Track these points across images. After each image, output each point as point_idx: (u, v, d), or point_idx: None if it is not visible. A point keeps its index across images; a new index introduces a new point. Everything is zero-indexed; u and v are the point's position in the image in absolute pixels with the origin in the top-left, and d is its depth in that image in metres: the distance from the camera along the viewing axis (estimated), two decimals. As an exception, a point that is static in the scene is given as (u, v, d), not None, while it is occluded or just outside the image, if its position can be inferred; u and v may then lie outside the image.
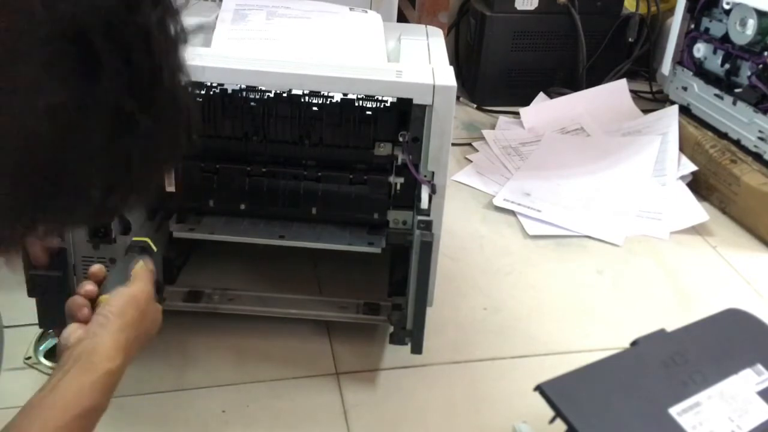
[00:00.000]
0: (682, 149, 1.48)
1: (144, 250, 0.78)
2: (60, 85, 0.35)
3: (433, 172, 0.81)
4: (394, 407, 0.86)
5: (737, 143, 1.39)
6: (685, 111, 1.55)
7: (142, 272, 0.68)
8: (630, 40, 1.85)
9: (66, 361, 0.61)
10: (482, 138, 1.61)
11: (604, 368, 0.73)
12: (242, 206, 0.92)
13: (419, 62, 0.89)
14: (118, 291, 0.66)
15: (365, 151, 0.88)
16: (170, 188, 0.90)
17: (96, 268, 0.70)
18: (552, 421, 0.68)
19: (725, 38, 1.43)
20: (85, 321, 0.64)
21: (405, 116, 0.83)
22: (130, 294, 0.66)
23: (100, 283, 0.68)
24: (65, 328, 0.64)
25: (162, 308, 0.71)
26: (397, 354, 0.92)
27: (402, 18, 1.65)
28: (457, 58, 1.96)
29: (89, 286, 0.67)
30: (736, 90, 1.40)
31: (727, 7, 1.42)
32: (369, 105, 0.87)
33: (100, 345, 0.62)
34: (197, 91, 0.86)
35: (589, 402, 0.69)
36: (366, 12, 1.05)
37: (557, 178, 1.43)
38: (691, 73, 1.54)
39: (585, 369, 0.72)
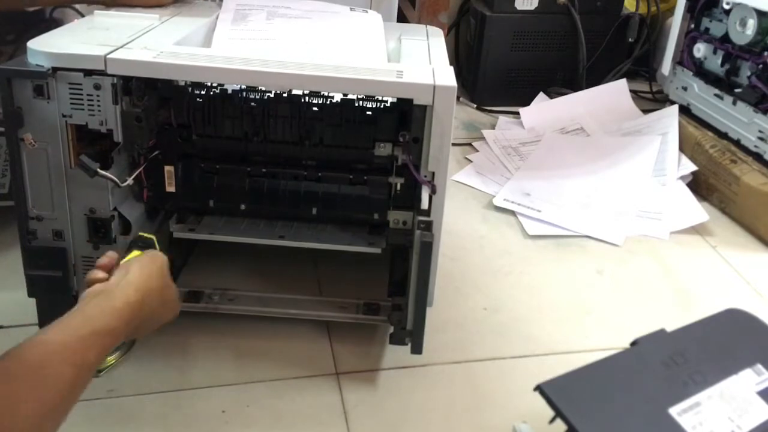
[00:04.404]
0: (682, 149, 1.48)
1: (147, 246, 0.79)
2: None
3: (433, 173, 0.81)
4: (394, 407, 0.86)
5: (737, 143, 1.40)
6: (685, 111, 1.55)
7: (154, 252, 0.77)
8: (630, 40, 1.85)
9: (85, 297, 0.66)
10: (482, 138, 1.61)
11: (604, 368, 0.73)
12: (242, 206, 0.92)
13: (419, 62, 0.89)
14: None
15: (365, 151, 0.88)
16: (170, 188, 0.90)
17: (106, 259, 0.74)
18: (552, 421, 0.68)
19: (725, 38, 1.43)
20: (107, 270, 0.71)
21: (405, 116, 0.83)
22: (149, 254, 0.75)
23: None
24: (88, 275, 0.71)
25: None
26: (397, 354, 0.92)
27: (402, 18, 1.65)
28: (457, 58, 1.96)
29: (105, 260, 0.73)
30: (736, 90, 1.40)
31: (727, 7, 1.42)
32: (369, 105, 0.87)
33: (121, 282, 0.68)
34: (197, 91, 0.86)
35: (589, 402, 0.69)
36: (366, 12, 1.05)
37: (557, 178, 1.43)
38: (691, 73, 1.54)
39: (585, 369, 0.72)
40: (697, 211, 1.34)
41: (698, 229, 1.31)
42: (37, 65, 0.77)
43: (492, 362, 0.95)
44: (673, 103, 1.59)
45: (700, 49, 1.51)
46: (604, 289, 1.13)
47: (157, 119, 0.86)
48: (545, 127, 1.63)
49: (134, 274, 0.69)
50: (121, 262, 0.73)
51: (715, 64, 1.47)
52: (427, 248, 0.79)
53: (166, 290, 0.74)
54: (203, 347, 0.93)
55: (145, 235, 0.81)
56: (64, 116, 0.78)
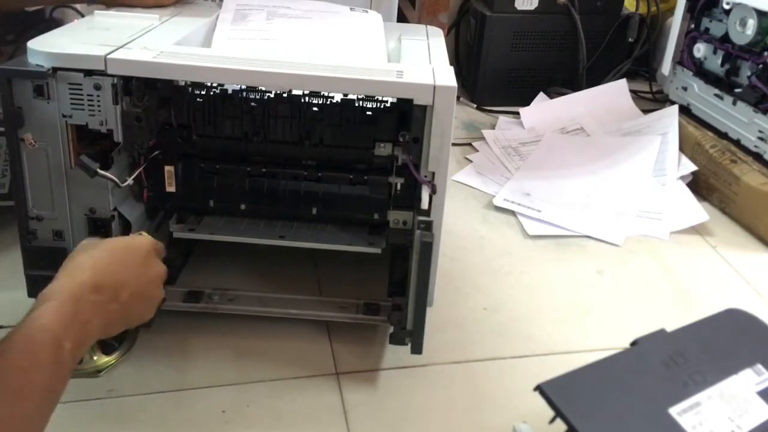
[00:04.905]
0: (682, 149, 1.48)
1: None
2: None
3: (433, 173, 0.81)
4: (394, 407, 0.86)
5: (737, 143, 1.40)
6: (685, 111, 1.55)
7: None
8: (630, 40, 1.85)
9: None
10: (482, 138, 1.61)
11: (604, 368, 0.73)
12: (242, 206, 0.92)
13: (419, 62, 0.89)
14: None
15: (365, 151, 0.88)
16: (170, 188, 0.90)
17: None
18: (552, 421, 0.68)
19: (725, 38, 1.43)
20: None
21: (405, 116, 0.83)
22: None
23: None
24: None
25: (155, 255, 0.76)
26: (397, 354, 0.92)
27: (402, 18, 1.65)
28: (457, 58, 1.96)
29: None
30: (736, 90, 1.40)
31: (727, 7, 1.42)
32: (369, 105, 0.87)
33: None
34: (197, 91, 0.86)
35: (589, 402, 0.69)
36: (366, 12, 1.05)
37: (557, 178, 1.43)
38: (691, 73, 1.54)
39: (585, 369, 0.72)
40: (697, 211, 1.34)
41: (698, 229, 1.31)
42: (37, 65, 0.77)
43: (492, 362, 0.95)
44: (673, 103, 1.59)
45: (700, 49, 1.51)
46: (604, 289, 1.13)
47: (157, 119, 0.86)
48: (545, 127, 1.63)
49: (70, 256, 0.69)
50: None
51: (715, 64, 1.47)
52: (427, 248, 0.79)
53: (120, 249, 0.71)
54: (203, 347, 0.93)
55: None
56: (64, 116, 0.79)
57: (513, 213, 1.32)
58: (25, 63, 0.78)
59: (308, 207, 0.92)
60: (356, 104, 0.87)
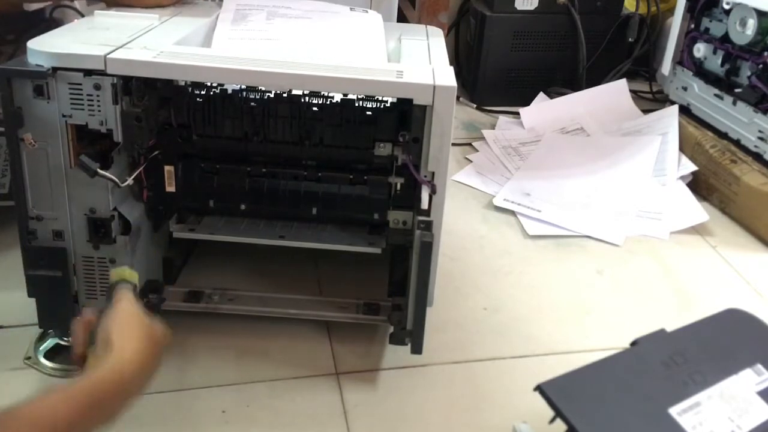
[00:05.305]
0: (682, 149, 1.48)
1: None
2: None
3: (433, 173, 0.81)
4: (394, 407, 0.86)
5: (737, 143, 1.40)
6: (685, 111, 1.55)
7: (120, 294, 0.70)
8: (630, 40, 1.85)
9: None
10: (482, 138, 1.61)
11: (604, 368, 0.73)
12: (242, 206, 0.92)
13: (419, 62, 0.89)
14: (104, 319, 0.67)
15: (365, 151, 0.88)
16: (170, 188, 0.90)
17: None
18: (552, 421, 0.68)
19: (725, 38, 1.43)
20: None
21: (405, 116, 0.83)
22: (121, 308, 0.68)
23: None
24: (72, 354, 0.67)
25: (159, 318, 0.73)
26: (397, 354, 0.92)
27: (402, 18, 1.65)
28: (457, 58, 1.96)
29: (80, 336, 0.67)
30: (736, 90, 1.40)
31: (727, 7, 1.42)
32: (369, 105, 0.87)
33: (108, 357, 0.65)
34: (197, 91, 0.86)
35: (589, 402, 0.69)
36: (366, 12, 1.05)
37: (557, 178, 1.43)
38: (691, 73, 1.54)
39: (585, 369, 0.72)
40: (697, 211, 1.34)
41: (698, 229, 1.31)
42: (37, 65, 0.77)
43: (492, 362, 0.95)
44: (673, 103, 1.59)
45: (700, 49, 1.51)
46: (604, 289, 1.13)
47: (157, 119, 0.86)
48: (545, 127, 1.63)
49: (119, 346, 0.65)
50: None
51: (715, 64, 1.47)
52: (427, 248, 0.79)
53: (148, 332, 0.70)
54: (203, 347, 0.93)
55: (117, 276, 0.74)
56: (64, 116, 0.78)
57: (513, 213, 1.32)
58: (25, 63, 0.78)
59: (308, 207, 0.92)
60: (356, 104, 0.87)
